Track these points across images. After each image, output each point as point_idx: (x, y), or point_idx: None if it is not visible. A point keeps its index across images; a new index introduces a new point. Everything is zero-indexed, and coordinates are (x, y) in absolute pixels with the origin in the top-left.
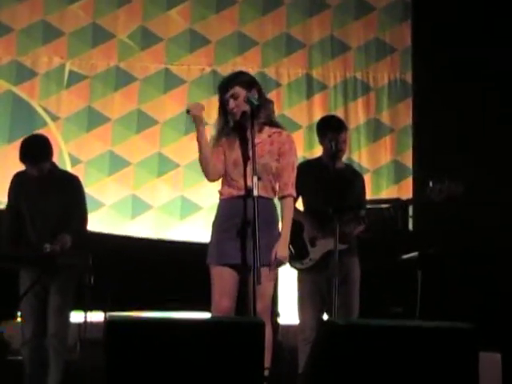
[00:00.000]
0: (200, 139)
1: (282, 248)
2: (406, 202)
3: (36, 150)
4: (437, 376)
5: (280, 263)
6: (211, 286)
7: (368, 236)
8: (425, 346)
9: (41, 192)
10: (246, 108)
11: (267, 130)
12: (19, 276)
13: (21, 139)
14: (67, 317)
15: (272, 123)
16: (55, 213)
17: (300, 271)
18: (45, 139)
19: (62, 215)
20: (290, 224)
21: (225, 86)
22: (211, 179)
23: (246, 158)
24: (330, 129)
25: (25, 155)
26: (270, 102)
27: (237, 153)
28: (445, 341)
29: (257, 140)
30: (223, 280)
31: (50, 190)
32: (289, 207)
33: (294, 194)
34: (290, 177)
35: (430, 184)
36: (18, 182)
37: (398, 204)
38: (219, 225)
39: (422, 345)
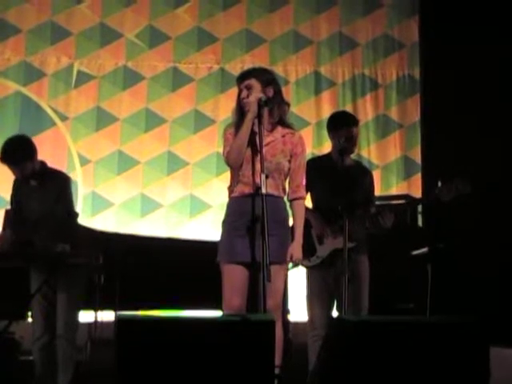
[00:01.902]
0: (248, 127)
1: (297, 249)
2: (415, 202)
3: (16, 151)
4: (448, 371)
5: (296, 265)
6: (222, 283)
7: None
8: (435, 342)
9: (28, 192)
10: (253, 99)
11: (280, 129)
12: (30, 275)
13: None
14: (76, 317)
15: (284, 124)
16: (44, 213)
17: (308, 268)
18: (25, 140)
19: (48, 212)
20: (303, 225)
21: (242, 76)
22: (236, 165)
23: (255, 155)
24: (343, 124)
25: (3, 158)
26: (286, 104)
27: (249, 149)
28: (455, 336)
29: (270, 138)
30: (234, 278)
31: (39, 191)
32: (302, 209)
33: (305, 196)
34: (302, 179)
35: (439, 184)
36: (16, 184)
37: (406, 205)
38: (230, 223)
39: (433, 340)
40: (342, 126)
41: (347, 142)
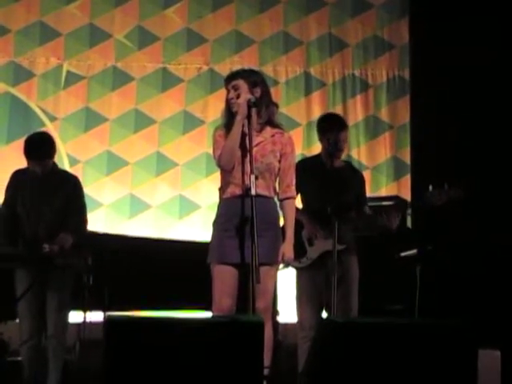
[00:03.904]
0: (238, 128)
1: (289, 249)
2: (405, 206)
3: (42, 146)
4: (436, 373)
5: (287, 265)
6: (212, 285)
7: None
8: (424, 344)
9: (41, 191)
10: (242, 101)
11: (269, 130)
12: (15, 276)
13: (19, 140)
14: (66, 317)
15: (273, 124)
16: (54, 212)
17: (298, 270)
18: (50, 137)
19: (61, 215)
20: (293, 225)
21: (230, 77)
22: (228, 168)
23: (245, 156)
24: (330, 128)
25: (30, 152)
26: (274, 105)
27: (239, 150)
28: (444, 338)
29: (259, 139)
30: (224, 279)
31: (50, 189)
32: (292, 209)
33: (296, 196)
34: (292, 178)
35: (430, 188)
36: (17, 179)
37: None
38: (221, 224)
39: (421, 342)
40: (329, 129)
41: (334, 145)
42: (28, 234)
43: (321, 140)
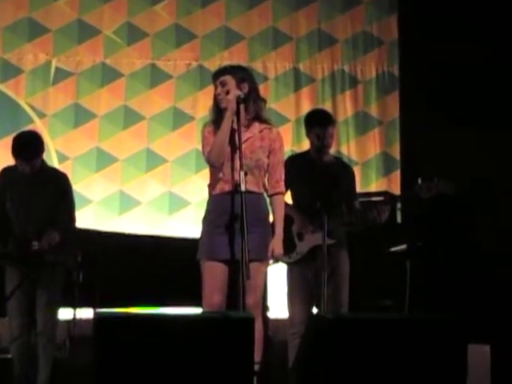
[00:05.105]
0: (228, 124)
1: (278, 244)
2: (394, 199)
3: (30, 146)
4: (426, 368)
5: (277, 260)
6: (202, 281)
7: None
8: (414, 339)
9: (30, 188)
10: (232, 97)
11: (257, 125)
12: (5, 273)
13: (7, 137)
14: (55, 314)
15: (261, 119)
16: (43, 210)
17: (288, 265)
18: (38, 136)
19: (50, 212)
20: (283, 221)
21: (218, 73)
22: (218, 164)
23: (234, 153)
24: (317, 123)
25: (18, 152)
26: (262, 101)
27: (228, 146)
28: (434, 333)
29: (248, 135)
30: (214, 275)
31: (39, 187)
32: (281, 204)
33: (285, 191)
34: (281, 174)
35: (419, 181)
36: (5, 177)
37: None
38: (211, 220)
39: (411, 337)
40: (315, 125)
41: (321, 141)
42: (17, 231)
43: (308, 135)
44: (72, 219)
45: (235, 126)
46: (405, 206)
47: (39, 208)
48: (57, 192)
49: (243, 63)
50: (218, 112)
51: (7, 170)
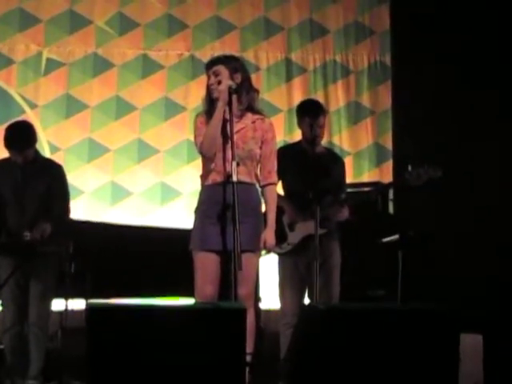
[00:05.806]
0: (220, 115)
1: (271, 235)
2: (386, 187)
3: (22, 137)
4: (418, 358)
5: (268, 251)
6: (194, 271)
7: (352, 219)
8: (406, 329)
9: (23, 179)
10: (224, 88)
11: (250, 116)
12: None
13: None
14: (48, 304)
15: (254, 110)
16: (37, 200)
17: (280, 256)
18: (30, 126)
19: (44, 203)
20: (275, 211)
21: (210, 63)
22: (210, 155)
23: (226, 143)
24: (308, 113)
25: (11, 143)
26: (255, 91)
27: (221, 137)
28: (426, 323)
29: (240, 125)
30: (206, 266)
31: (33, 178)
32: (273, 194)
33: (277, 182)
34: (274, 164)
35: (409, 168)
36: None
37: (378, 189)
38: (203, 211)
39: (403, 327)
40: (306, 115)
41: (313, 130)
42: (11, 222)
43: (299, 125)
44: (66, 210)
45: (227, 117)
46: (397, 197)
47: (33, 199)
48: (51, 182)
49: (235, 53)
50: (210, 102)
51: (0, 161)
